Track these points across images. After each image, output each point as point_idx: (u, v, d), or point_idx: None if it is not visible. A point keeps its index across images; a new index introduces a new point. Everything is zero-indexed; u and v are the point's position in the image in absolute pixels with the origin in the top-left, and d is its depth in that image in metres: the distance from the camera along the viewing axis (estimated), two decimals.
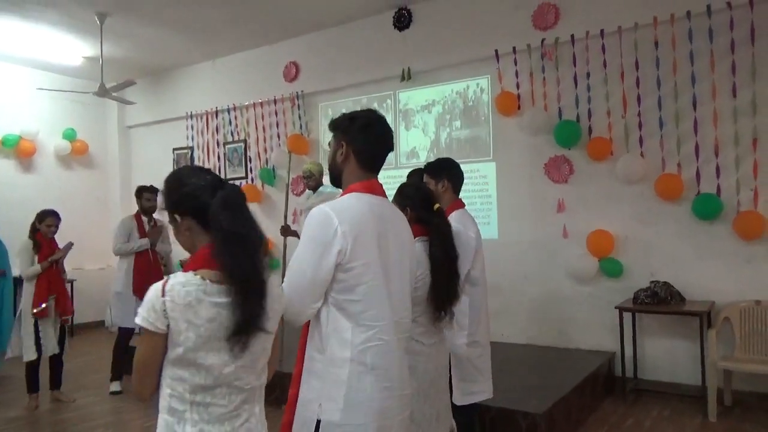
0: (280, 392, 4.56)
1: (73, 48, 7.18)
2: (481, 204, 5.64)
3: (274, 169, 7.22)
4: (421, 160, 5.85)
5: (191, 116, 8.07)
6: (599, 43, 4.99)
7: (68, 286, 5.39)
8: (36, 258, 4.67)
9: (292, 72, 7.04)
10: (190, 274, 1.47)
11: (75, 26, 6.43)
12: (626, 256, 4.97)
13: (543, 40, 5.26)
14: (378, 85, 6.43)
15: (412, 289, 1.98)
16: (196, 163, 8.07)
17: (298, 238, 5.20)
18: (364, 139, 1.85)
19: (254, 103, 7.38)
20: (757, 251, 4.43)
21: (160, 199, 5.58)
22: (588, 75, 5.07)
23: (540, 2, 5.29)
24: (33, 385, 4.72)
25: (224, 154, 7.79)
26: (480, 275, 2.85)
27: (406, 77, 6.10)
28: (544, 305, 5.38)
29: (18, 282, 6.43)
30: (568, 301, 5.25)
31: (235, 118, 7.65)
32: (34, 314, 4.62)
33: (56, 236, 4.85)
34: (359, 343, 1.72)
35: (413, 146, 6.19)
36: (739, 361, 4.22)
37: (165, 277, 1.47)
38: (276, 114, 7.21)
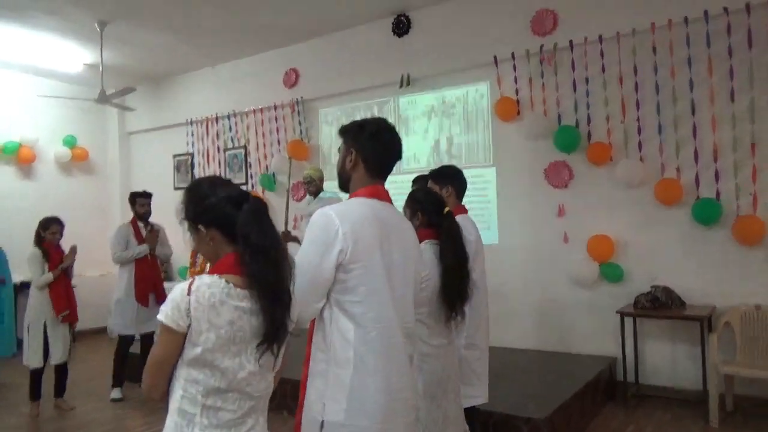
0: (281, 398, 4.56)
1: (73, 55, 7.20)
2: (481, 209, 5.65)
3: (274, 175, 7.23)
4: (421, 165, 5.87)
5: (191, 122, 8.09)
6: (598, 49, 5.02)
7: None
8: (46, 266, 4.67)
9: (292, 78, 7.07)
10: (215, 277, 1.51)
11: (75, 33, 6.45)
12: (627, 261, 4.97)
13: (542, 46, 5.28)
14: (377, 91, 6.45)
15: (417, 291, 2.01)
16: (197, 169, 8.09)
17: (299, 243, 5.21)
18: (373, 147, 1.90)
19: (254, 110, 7.40)
20: (756, 256, 4.44)
21: (150, 204, 5.52)
22: (587, 80, 5.09)
23: (538, 8, 5.31)
24: (35, 393, 4.71)
25: (224, 160, 7.81)
26: (479, 279, 2.86)
27: (406, 83, 6.12)
28: (545, 310, 5.38)
29: (17, 289, 6.46)
30: (568, 306, 5.25)
31: (236, 124, 7.66)
32: (62, 320, 4.65)
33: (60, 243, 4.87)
34: (362, 344, 1.74)
35: (413, 152, 6.20)
36: (741, 366, 4.21)
37: (191, 278, 1.52)
38: (276, 120, 7.23)
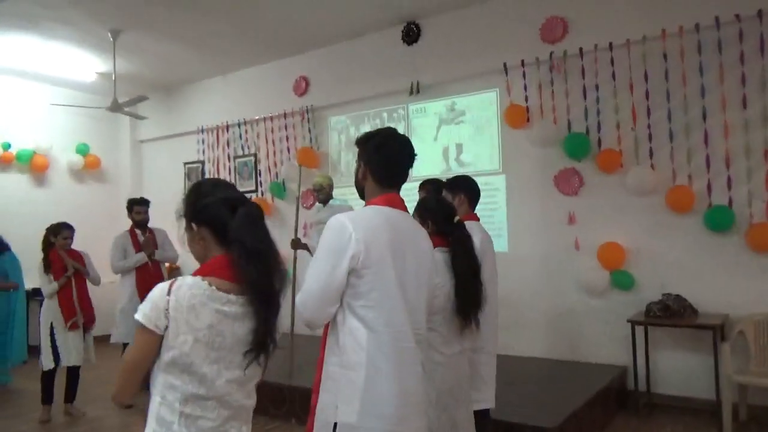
0: (290, 405, 4.56)
1: (86, 64, 7.30)
2: (491, 217, 5.64)
3: (284, 183, 7.26)
4: (431, 173, 5.86)
5: (202, 130, 8.15)
6: (608, 56, 5.00)
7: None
8: (51, 275, 4.72)
9: (302, 86, 7.10)
10: (198, 278, 1.48)
11: (89, 43, 6.54)
12: (638, 269, 4.93)
13: (551, 53, 5.27)
14: (387, 99, 6.47)
15: (431, 298, 2.04)
16: (207, 177, 8.14)
17: (308, 251, 5.25)
18: (378, 159, 1.96)
19: (264, 118, 7.45)
20: None
21: (148, 211, 5.44)
22: (597, 87, 5.08)
23: (548, 16, 5.32)
24: (47, 396, 4.74)
25: (235, 167, 7.85)
26: (487, 282, 2.85)
27: (415, 91, 6.14)
28: (555, 318, 5.34)
29: (30, 295, 6.52)
30: (579, 314, 5.21)
31: (246, 132, 7.71)
32: (68, 328, 4.68)
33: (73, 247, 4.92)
34: (374, 348, 1.77)
35: (423, 159, 6.18)
36: (755, 375, 4.15)
37: (173, 279, 1.49)
38: (286, 128, 7.27)
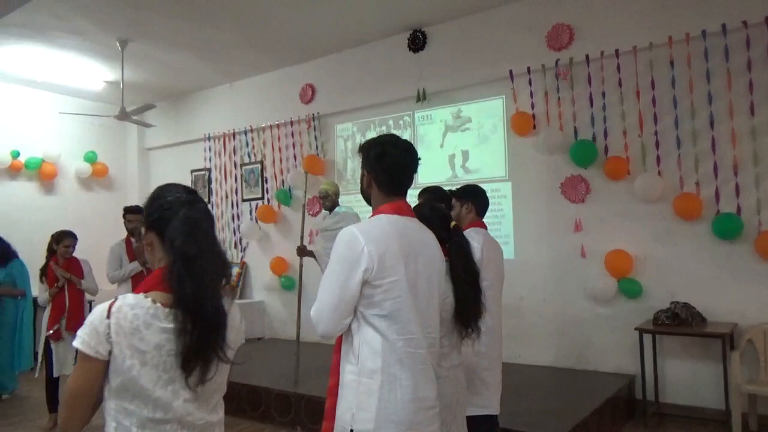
0: (295, 414, 4.54)
1: (95, 73, 7.36)
2: (497, 224, 5.62)
3: (290, 190, 7.27)
4: (437, 180, 5.86)
5: (209, 138, 8.19)
6: (614, 63, 5.00)
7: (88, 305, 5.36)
8: (47, 284, 4.77)
9: (308, 94, 7.13)
10: (140, 296, 1.37)
11: (97, 52, 6.60)
12: (645, 277, 4.90)
13: (557, 60, 5.27)
14: (393, 106, 6.48)
15: (442, 302, 2.05)
16: (214, 184, 8.17)
17: (315, 258, 5.24)
18: (381, 168, 1.96)
19: (271, 125, 7.48)
20: None
21: (141, 219, 5.47)
22: (603, 94, 5.07)
23: (554, 23, 5.32)
24: (52, 404, 4.74)
25: (241, 175, 7.88)
26: (489, 287, 2.83)
27: (422, 98, 6.15)
28: (562, 326, 5.31)
29: (36, 303, 6.54)
30: (586, 322, 5.18)
31: (252, 139, 7.74)
32: (48, 336, 4.70)
33: (76, 255, 4.93)
34: (389, 355, 1.80)
35: (429, 166, 6.20)
36: (765, 385, 4.11)
37: (113, 298, 1.37)
38: (292, 135, 7.29)
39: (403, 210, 1.97)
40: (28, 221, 7.56)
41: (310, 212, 6.89)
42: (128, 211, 4.97)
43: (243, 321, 1.62)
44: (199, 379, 1.36)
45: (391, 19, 5.96)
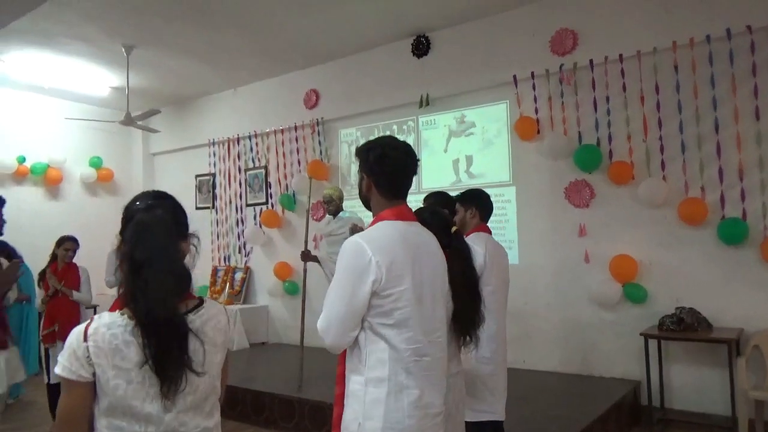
0: (299, 418, 4.53)
1: (100, 79, 7.40)
2: (501, 228, 5.61)
3: (294, 195, 7.28)
4: (441, 184, 5.86)
5: (213, 143, 8.22)
6: (618, 68, 4.99)
7: (88, 311, 5.35)
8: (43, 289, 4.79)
9: (312, 99, 7.15)
10: (116, 314, 1.33)
11: (103, 58, 6.64)
12: (650, 282, 4.88)
13: (561, 65, 5.27)
14: (397, 112, 6.49)
15: (447, 304, 2.03)
16: (218, 189, 8.19)
17: (319, 263, 5.23)
18: (381, 171, 1.91)
19: (275, 130, 7.50)
20: None
21: None
22: (607, 99, 5.06)
23: (558, 28, 5.32)
24: (53, 411, 4.74)
25: (245, 180, 7.90)
26: (494, 292, 2.82)
27: (425, 103, 6.15)
28: (567, 332, 5.29)
29: None
30: (591, 327, 5.16)
31: (256, 144, 7.76)
32: (41, 341, 4.72)
33: (79, 262, 4.93)
34: (396, 364, 1.78)
35: (433, 171, 6.21)
36: None
37: (90, 319, 1.34)
38: (296, 140, 7.31)
39: (406, 214, 1.94)
40: (33, 226, 7.58)
41: (314, 217, 6.90)
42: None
43: (234, 321, 1.59)
44: (170, 390, 1.31)
45: (395, 25, 5.98)
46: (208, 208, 8.27)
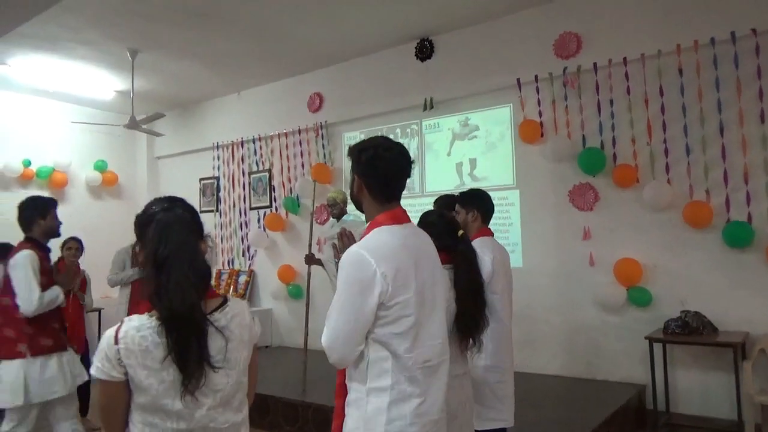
0: (303, 422, 4.53)
1: (105, 82, 7.43)
2: (505, 232, 5.61)
3: (298, 198, 7.29)
4: (445, 188, 5.86)
5: (217, 147, 8.24)
6: (622, 71, 4.99)
7: (92, 315, 5.36)
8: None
9: (316, 103, 7.16)
10: (145, 317, 1.38)
11: (107, 62, 6.66)
12: (655, 285, 4.86)
13: (565, 69, 5.27)
14: (401, 115, 6.50)
15: (447, 307, 2.00)
16: (222, 192, 8.21)
17: (323, 266, 5.22)
18: (374, 173, 1.86)
19: (279, 134, 7.51)
20: None
21: None
22: (611, 102, 5.06)
23: (562, 31, 5.32)
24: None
25: (249, 183, 7.91)
26: (500, 299, 2.81)
27: (429, 107, 6.16)
28: (571, 335, 5.27)
29: None
30: (595, 331, 5.14)
31: (260, 148, 7.78)
32: None
33: (83, 263, 4.95)
34: (399, 373, 1.75)
35: (437, 174, 6.21)
36: None
37: (119, 323, 1.39)
38: (300, 144, 7.32)
39: (401, 218, 1.89)
40: None
41: (318, 220, 6.90)
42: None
43: (255, 318, 1.64)
44: (192, 385, 1.36)
45: (399, 29, 5.99)
46: (212, 211, 8.29)
